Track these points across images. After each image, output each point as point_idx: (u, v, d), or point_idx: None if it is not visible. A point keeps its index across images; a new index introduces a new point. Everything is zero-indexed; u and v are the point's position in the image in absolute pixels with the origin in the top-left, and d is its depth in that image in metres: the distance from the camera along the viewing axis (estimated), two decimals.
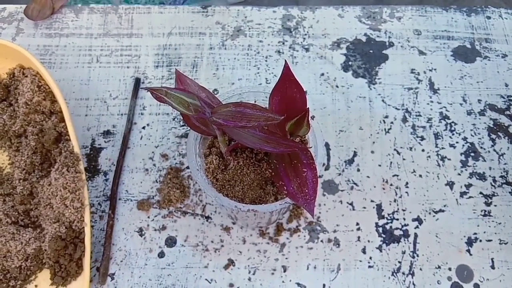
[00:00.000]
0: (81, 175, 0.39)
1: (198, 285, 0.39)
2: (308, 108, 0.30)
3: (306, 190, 0.30)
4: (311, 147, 0.33)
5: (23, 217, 0.39)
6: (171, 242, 0.40)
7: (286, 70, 0.29)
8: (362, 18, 0.53)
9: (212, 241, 0.40)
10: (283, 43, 0.51)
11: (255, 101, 0.36)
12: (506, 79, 0.50)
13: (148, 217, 0.41)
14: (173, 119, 0.46)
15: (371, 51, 0.50)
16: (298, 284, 0.39)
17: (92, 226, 0.40)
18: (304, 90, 0.47)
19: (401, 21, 0.53)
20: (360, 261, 0.40)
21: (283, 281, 0.39)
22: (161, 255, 0.40)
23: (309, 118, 0.31)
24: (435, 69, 0.50)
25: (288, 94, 0.30)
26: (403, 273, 0.39)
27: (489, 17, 0.53)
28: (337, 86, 0.48)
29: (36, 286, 0.38)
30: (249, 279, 0.39)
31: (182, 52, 0.50)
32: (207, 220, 0.41)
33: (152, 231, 0.41)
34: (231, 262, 0.40)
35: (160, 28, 0.51)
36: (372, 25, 0.52)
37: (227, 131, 0.31)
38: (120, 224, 0.41)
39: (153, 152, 0.44)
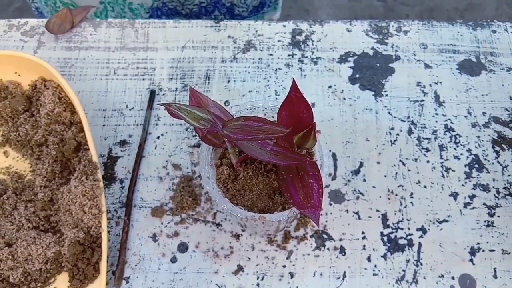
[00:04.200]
0: (99, 183, 0.41)
1: None
2: (315, 123, 0.31)
3: (312, 201, 0.31)
4: (316, 160, 0.35)
5: (43, 222, 0.41)
6: (183, 248, 0.42)
7: (294, 87, 0.30)
8: (369, 32, 0.54)
9: (222, 248, 0.42)
10: (292, 56, 0.52)
11: (264, 115, 0.37)
12: (511, 92, 0.51)
13: (162, 223, 0.43)
14: (186, 130, 0.48)
15: (378, 64, 0.52)
16: None
17: (108, 232, 0.42)
18: (312, 102, 0.49)
19: (408, 35, 0.54)
20: (365, 269, 0.41)
21: (290, 287, 0.40)
22: (174, 260, 0.42)
23: (315, 132, 0.32)
24: (440, 82, 0.51)
25: (296, 109, 0.31)
26: (407, 281, 0.41)
27: (494, 31, 0.54)
28: (344, 98, 0.50)
29: (55, 287, 0.40)
30: (258, 284, 0.41)
31: (195, 65, 0.52)
32: (217, 227, 0.43)
33: (165, 237, 0.43)
34: (240, 268, 0.41)
35: (175, 42, 0.53)
36: (379, 39, 0.54)
37: (237, 144, 0.32)
38: (135, 230, 0.43)
39: (166, 161, 0.46)
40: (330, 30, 0.54)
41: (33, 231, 0.40)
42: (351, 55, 0.53)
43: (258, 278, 0.41)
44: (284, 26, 0.54)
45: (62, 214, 0.41)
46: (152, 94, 0.49)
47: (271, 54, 0.52)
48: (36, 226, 0.41)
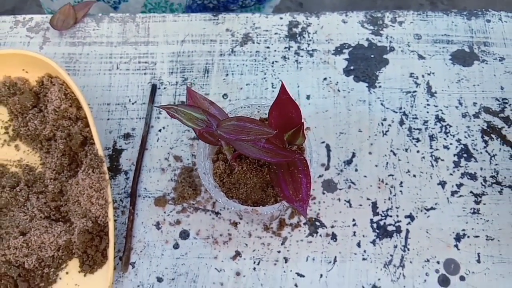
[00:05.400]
0: (105, 175, 0.43)
1: (208, 274, 0.44)
2: (303, 122, 0.33)
3: (300, 195, 0.34)
4: (306, 155, 0.37)
5: (54, 212, 0.44)
6: (184, 235, 0.45)
7: (283, 90, 0.32)
8: (364, 24, 0.55)
9: (221, 235, 0.45)
10: (289, 49, 0.54)
11: (258, 112, 0.39)
12: (502, 82, 0.52)
13: (164, 212, 0.46)
14: None
15: (372, 56, 0.53)
16: (298, 274, 0.43)
17: (115, 221, 0.45)
18: (307, 94, 0.51)
19: (403, 25, 0.55)
20: (355, 254, 0.44)
21: (284, 271, 0.43)
22: (176, 246, 0.45)
23: (304, 130, 0.34)
24: (433, 73, 0.52)
25: (285, 110, 0.33)
26: (394, 266, 0.43)
27: (489, 21, 0.55)
28: (338, 90, 0.51)
29: (67, 273, 0.43)
30: (254, 268, 0.44)
31: (194, 59, 0.53)
32: (216, 216, 0.46)
33: (168, 225, 0.45)
34: (238, 254, 0.44)
35: (175, 36, 0.55)
36: (374, 30, 0.55)
37: (231, 142, 0.35)
38: (140, 218, 0.46)
39: (168, 153, 0.49)
40: (326, 21, 0.55)
41: (45, 220, 0.43)
42: (346, 47, 0.54)
43: (254, 262, 0.44)
44: (281, 18, 0.56)
45: (71, 204, 0.44)
46: (154, 88, 0.51)
47: (268, 47, 0.54)
48: (48, 216, 0.44)
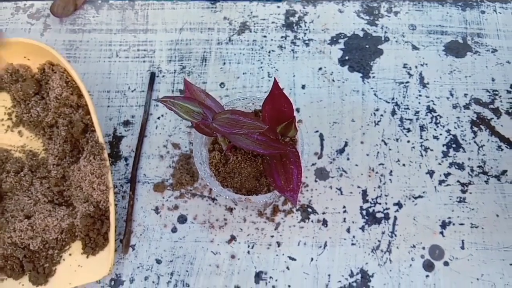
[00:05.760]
0: (106, 162, 0.45)
1: (205, 256, 0.46)
2: (295, 116, 0.35)
3: (291, 185, 0.35)
4: (295, 148, 0.38)
5: (57, 197, 0.46)
6: (182, 219, 0.47)
7: (276, 85, 0.34)
8: (360, 13, 0.56)
9: (217, 220, 0.47)
10: (285, 38, 0.55)
11: (253, 104, 0.41)
12: (494, 73, 0.53)
13: (163, 197, 0.48)
14: None
15: (367, 46, 0.54)
16: (290, 257, 0.46)
17: (115, 205, 0.47)
18: (302, 84, 0.52)
19: (398, 16, 0.56)
20: (345, 239, 0.46)
21: (277, 255, 0.46)
22: (174, 230, 0.47)
23: (296, 123, 0.36)
24: (426, 64, 0.53)
25: (278, 104, 0.35)
26: (382, 251, 0.46)
27: (483, 12, 0.56)
28: (333, 80, 0.53)
29: (70, 254, 0.45)
30: (248, 252, 0.46)
31: (192, 47, 0.54)
32: (213, 201, 0.48)
33: (166, 210, 0.47)
34: (233, 238, 0.46)
35: (173, 24, 0.56)
36: (369, 20, 0.56)
37: (225, 134, 0.36)
38: (139, 203, 0.48)
39: (166, 140, 0.50)
40: (322, 11, 0.56)
41: (49, 204, 0.45)
42: (342, 37, 0.55)
43: (249, 246, 0.46)
44: (278, 7, 0.56)
45: (73, 189, 0.46)
46: (152, 76, 0.52)
47: (265, 36, 0.55)
48: (51, 200, 0.46)
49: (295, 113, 0.35)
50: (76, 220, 0.44)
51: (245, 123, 0.33)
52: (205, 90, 0.39)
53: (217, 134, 0.38)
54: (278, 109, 0.35)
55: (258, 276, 0.45)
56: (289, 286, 0.45)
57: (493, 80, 0.53)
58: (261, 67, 0.53)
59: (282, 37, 0.55)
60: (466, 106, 0.51)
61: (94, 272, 0.43)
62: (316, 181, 0.48)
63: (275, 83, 0.34)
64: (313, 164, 0.49)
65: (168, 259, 0.46)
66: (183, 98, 0.35)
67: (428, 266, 0.45)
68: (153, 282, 0.45)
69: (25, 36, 0.54)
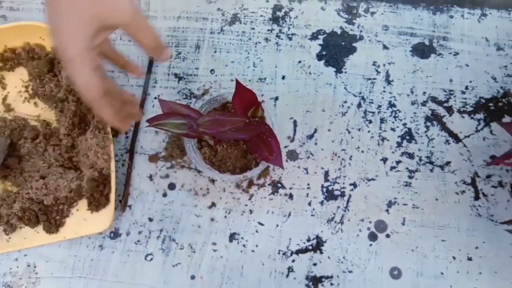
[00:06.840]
0: (109, 135, 0.53)
1: (189, 218, 0.55)
2: (260, 102, 0.43)
3: (274, 154, 0.44)
4: (267, 125, 0.47)
5: (67, 162, 0.55)
6: (172, 186, 0.56)
7: (238, 85, 0.42)
8: (340, 12, 0.62)
9: (201, 188, 0.56)
10: (271, 31, 0.61)
11: (221, 100, 0.50)
12: (452, 75, 0.60)
13: (156, 167, 0.57)
14: (178, 93, 0.59)
15: (343, 43, 0.61)
16: (259, 223, 0.55)
17: (116, 171, 0.56)
18: (283, 75, 0.60)
19: (374, 16, 0.62)
20: (306, 211, 0.55)
21: (248, 220, 0.55)
22: (165, 195, 0.56)
23: (261, 106, 0.44)
24: (393, 63, 0.60)
25: (244, 95, 0.43)
26: (335, 222, 0.55)
27: (452, 16, 0.62)
28: (310, 73, 0.60)
29: (77, 210, 0.54)
30: (225, 217, 0.55)
31: (187, 35, 0.61)
32: (198, 173, 0.56)
33: (158, 178, 0.56)
34: (213, 204, 0.55)
35: (172, 11, 0.62)
36: (348, 19, 0.62)
37: (213, 134, 0.44)
38: (136, 171, 0.57)
39: None
40: (306, 7, 0.62)
41: (60, 168, 0.54)
42: (321, 33, 0.61)
43: (226, 212, 0.55)
44: (267, 1, 0.63)
45: (81, 156, 0.54)
46: (151, 61, 0.60)
47: (253, 28, 0.62)
48: (62, 165, 0.55)
49: (259, 99, 0.44)
50: (83, 182, 0.53)
51: (227, 120, 0.41)
52: (177, 101, 0.47)
53: (203, 135, 0.46)
54: (245, 99, 0.43)
55: (232, 236, 0.54)
56: (256, 245, 0.54)
57: (451, 81, 0.60)
58: (248, 57, 0.60)
59: (268, 30, 0.61)
60: (423, 103, 0.59)
61: (97, 225, 0.52)
62: (287, 161, 0.57)
63: (238, 83, 0.42)
64: (285, 147, 0.57)
65: (159, 218, 0.55)
66: (165, 116, 0.43)
67: (372, 237, 0.54)
68: (146, 236, 0.55)
69: (40, 16, 0.61)
